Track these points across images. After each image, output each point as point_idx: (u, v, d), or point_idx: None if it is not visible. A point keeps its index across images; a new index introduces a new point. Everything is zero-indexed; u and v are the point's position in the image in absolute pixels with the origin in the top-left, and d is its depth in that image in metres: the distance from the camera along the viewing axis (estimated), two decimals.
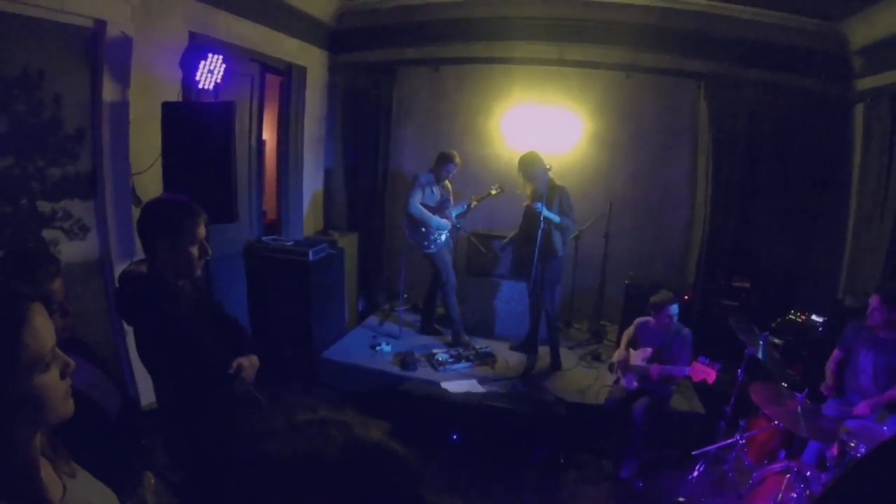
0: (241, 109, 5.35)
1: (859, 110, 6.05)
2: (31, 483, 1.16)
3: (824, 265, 6.41)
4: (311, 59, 6.53)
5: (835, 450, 3.47)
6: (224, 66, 4.39)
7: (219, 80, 4.41)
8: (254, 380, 2.64)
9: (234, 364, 2.56)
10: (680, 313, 4.69)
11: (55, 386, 1.17)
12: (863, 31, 5.75)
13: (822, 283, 6.34)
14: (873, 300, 4.02)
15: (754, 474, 3.72)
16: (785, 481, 3.41)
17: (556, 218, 5.29)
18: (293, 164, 6.33)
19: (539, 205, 5.21)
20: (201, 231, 2.47)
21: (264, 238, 5.88)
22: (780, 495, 3.30)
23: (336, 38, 6.80)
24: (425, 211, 5.81)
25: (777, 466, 3.63)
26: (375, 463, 0.79)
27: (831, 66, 6.12)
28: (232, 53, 4.81)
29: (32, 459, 1.17)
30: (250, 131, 5.66)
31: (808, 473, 3.47)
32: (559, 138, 6.39)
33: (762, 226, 6.54)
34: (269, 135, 6.31)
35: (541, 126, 6.62)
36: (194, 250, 2.45)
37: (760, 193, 6.49)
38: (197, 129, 4.16)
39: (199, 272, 2.54)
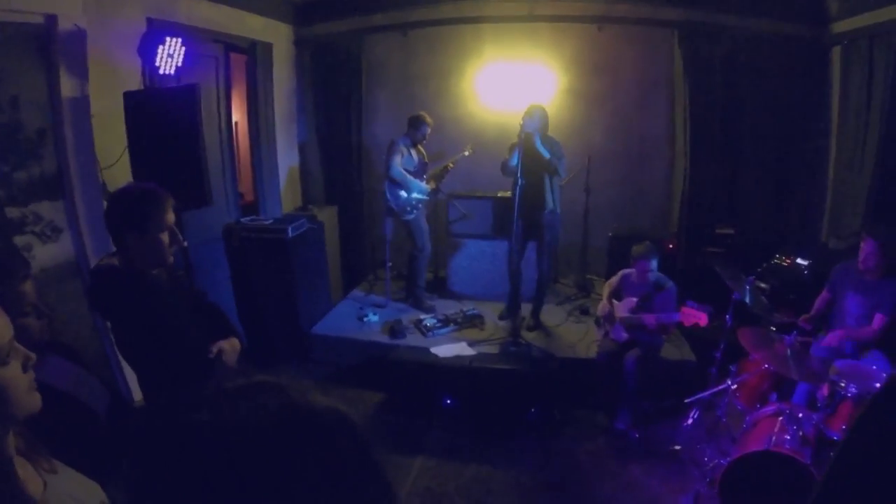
0: (208, 92, 5.23)
1: (836, 53, 6.01)
2: (7, 481, 1.15)
3: (807, 209, 6.45)
4: (277, 35, 6.37)
5: (825, 390, 3.53)
6: (184, 48, 4.28)
7: (179, 64, 4.31)
8: (236, 363, 2.61)
9: (214, 348, 2.54)
10: (664, 263, 4.70)
11: (17, 378, 1.16)
12: None
13: (805, 227, 6.40)
14: (868, 244, 4.02)
15: (747, 418, 3.79)
16: (778, 423, 3.47)
17: (545, 153, 5.23)
18: (265, 142, 6.22)
19: (535, 137, 5.17)
20: (170, 217, 2.41)
21: (242, 220, 5.79)
22: (773, 437, 3.35)
23: (300, 11, 6.63)
24: (406, 174, 5.76)
25: (769, 409, 3.68)
26: (314, 428, 0.72)
27: (807, 8, 6.08)
28: (193, 35, 4.69)
29: (6, 458, 1.16)
30: (219, 113, 5.54)
31: (800, 414, 3.54)
32: (533, 94, 6.24)
33: (743, 172, 6.54)
34: (239, 115, 6.20)
35: (514, 83, 6.53)
36: (164, 237, 2.40)
37: (740, 140, 6.47)
38: (162, 116, 4.05)
39: (171, 259, 2.49)
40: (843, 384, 3.38)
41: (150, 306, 2.35)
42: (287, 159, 6.77)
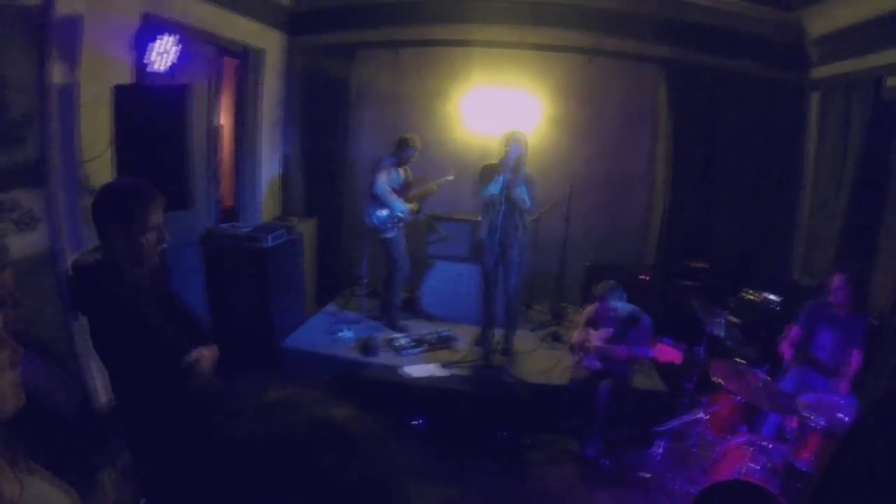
0: (197, 93, 5.13)
1: (815, 98, 6.26)
2: None
3: (778, 246, 6.62)
4: (269, 42, 6.37)
5: (794, 422, 3.61)
6: (178, 47, 4.25)
7: (172, 62, 4.27)
8: (213, 370, 2.59)
9: (194, 353, 2.50)
10: (639, 295, 4.78)
11: (3, 373, 1.11)
12: (820, 22, 5.93)
13: (775, 264, 6.55)
14: (838, 279, 4.18)
15: (717, 448, 3.83)
16: (747, 453, 3.52)
17: (526, 201, 5.34)
18: (250, 148, 6.21)
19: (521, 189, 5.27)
20: (157, 217, 2.40)
21: (221, 225, 5.75)
22: (742, 467, 3.41)
23: (294, 20, 6.64)
24: (390, 192, 5.79)
25: (739, 440, 3.75)
26: (347, 442, 0.73)
27: (789, 54, 6.32)
28: (187, 35, 4.64)
29: None
30: (206, 115, 5.51)
31: (769, 445, 3.60)
32: (518, 122, 6.28)
33: (720, 208, 6.71)
34: (225, 119, 6.16)
35: (500, 109, 6.60)
36: (151, 237, 2.38)
37: (718, 177, 6.66)
38: (151, 114, 3.99)
39: (156, 260, 2.47)
40: (811, 417, 3.46)
41: (131, 305, 2.33)
42: (270, 167, 6.74)
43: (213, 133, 5.71)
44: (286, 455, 0.67)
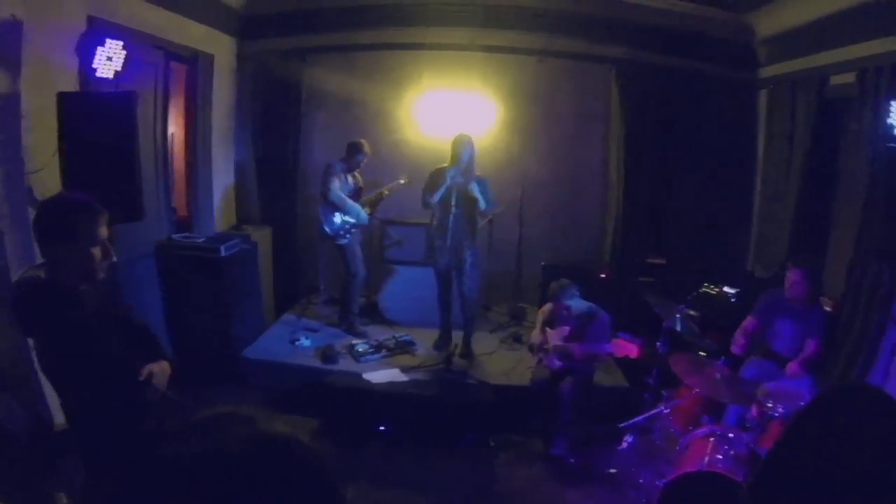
0: (146, 100, 5.11)
1: (763, 96, 6.51)
2: None
3: (734, 239, 6.84)
4: (219, 47, 6.28)
5: (754, 411, 3.70)
6: (125, 52, 4.18)
7: (119, 69, 4.20)
8: (166, 386, 2.55)
9: (145, 371, 2.46)
10: (597, 293, 4.86)
11: None
12: (768, 23, 6.18)
13: (732, 257, 6.76)
14: (794, 275, 4.27)
15: (681, 440, 3.89)
16: (710, 444, 3.59)
17: (483, 202, 5.40)
18: (202, 157, 6.11)
19: (474, 186, 5.33)
20: (103, 231, 2.34)
21: (175, 236, 5.66)
22: (706, 458, 3.47)
23: (245, 24, 6.57)
24: (345, 197, 5.80)
25: (702, 431, 3.81)
26: (283, 457, 0.74)
27: (738, 54, 6.56)
28: (134, 40, 4.56)
29: None
30: (155, 123, 5.41)
31: (731, 435, 3.68)
32: (471, 124, 6.38)
33: (674, 204, 6.88)
34: (176, 127, 6.07)
35: (452, 112, 6.66)
36: (96, 252, 2.32)
37: (672, 174, 6.84)
38: (97, 122, 3.92)
39: (102, 275, 2.41)
40: (770, 405, 3.56)
41: (77, 324, 2.26)
42: (223, 176, 6.65)
43: (165, 141, 5.62)
44: (224, 473, 0.68)
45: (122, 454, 2.14)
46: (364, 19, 6.51)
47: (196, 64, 5.88)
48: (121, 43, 4.14)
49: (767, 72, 6.44)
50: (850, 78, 4.98)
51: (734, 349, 4.47)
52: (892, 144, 4.14)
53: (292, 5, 6.51)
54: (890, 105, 4.14)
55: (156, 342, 2.75)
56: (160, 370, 2.53)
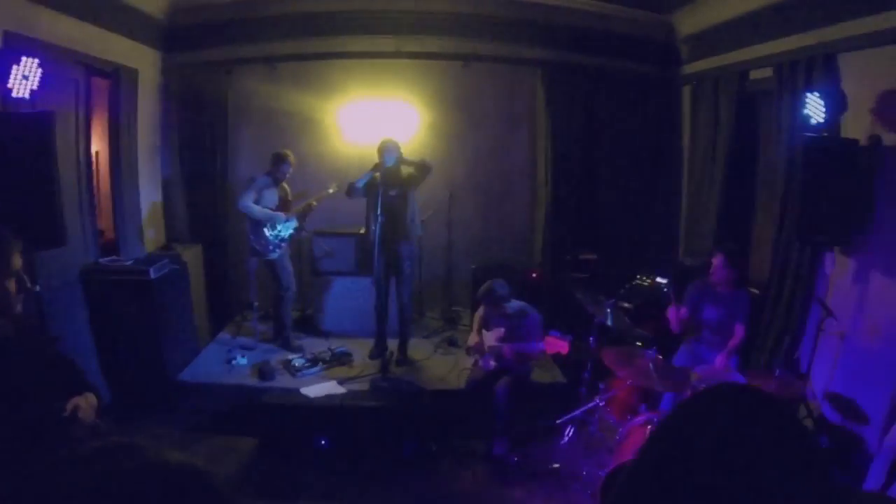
0: (66, 118, 5.06)
1: (686, 92, 6.90)
2: None
3: (663, 231, 7.21)
4: (143, 60, 6.27)
5: (688, 395, 3.97)
6: (40, 70, 4.11)
7: (35, 87, 4.12)
8: (94, 417, 2.51)
9: (69, 406, 2.41)
10: (530, 292, 5.09)
11: None
12: (689, 22, 6.59)
13: (663, 248, 7.11)
14: (717, 260, 4.64)
15: (620, 430, 4.14)
16: (648, 431, 3.83)
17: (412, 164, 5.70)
18: (128, 175, 6.02)
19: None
20: (16, 261, 2.29)
21: (101, 260, 5.59)
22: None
23: (169, 37, 6.59)
24: (255, 206, 5.87)
25: (639, 419, 4.07)
26: (171, 487, 0.75)
27: (661, 52, 6.96)
28: (53, 55, 4.53)
29: None
30: (77, 142, 5.34)
31: None
32: (397, 131, 6.56)
33: (604, 201, 7.22)
34: (100, 145, 6.03)
35: (378, 119, 6.88)
36: (10, 284, 2.27)
37: (600, 171, 7.16)
38: (12, 145, 3.88)
39: (18, 308, 2.37)
40: (702, 389, 3.82)
41: None
42: (150, 195, 6.61)
43: (88, 161, 5.56)
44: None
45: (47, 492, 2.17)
46: (288, 29, 6.64)
47: (119, 79, 5.79)
48: (36, 60, 4.07)
49: (690, 68, 6.84)
50: (768, 72, 5.35)
51: (672, 328, 4.83)
52: (808, 134, 4.50)
53: (216, 16, 6.57)
54: (805, 97, 4.50)
55: (80, 375, 2.70)
56: (86, 403, 2.47)
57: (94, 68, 5.51)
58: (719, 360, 4.56)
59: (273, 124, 7.08)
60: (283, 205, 6.11)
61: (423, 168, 5.74)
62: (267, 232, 5.95)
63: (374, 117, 6.92)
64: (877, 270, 4.33)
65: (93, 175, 5.72)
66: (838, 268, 4.68)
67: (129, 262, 5.60)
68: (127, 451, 0.75)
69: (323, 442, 4.91)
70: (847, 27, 4.39)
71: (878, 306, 4.28)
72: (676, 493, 1.20)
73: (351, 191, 5.68)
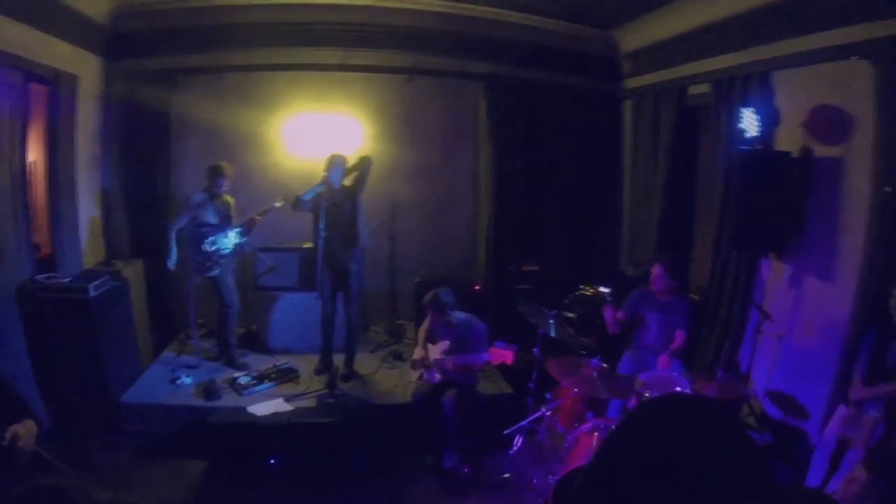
0: (0, 126, 4.93)
1: (628, 106, 7.21)
2: None
3: (606, 242, 7.49)
4: (84, 67, 6.12)
5: (633, 402, 4.10)
6: None
7: None
8: (34, 444, 2.50)
9: (7, 434, 2.41)
10: (473, 304, 5.16)
11: None
12: (631, 38, 6.87)
13: (605, 258, 7.37)
14: (657, 270, 4.91)
15: (568, 437, 4.23)
16: (595, 437, 3.96)
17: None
18: (66, 187, 5.88)
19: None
20: None
21: (38, 277, 5.41)
22: (593, 450, 3.80)
23: (111, 43, 6.45)
24: (173, 242, 5.89)
25: (587, 426, 4.18)
26: None
27: (604, 67, 7.22)
28: None
29: None
30: (12, 151, 5.16)
31: (614, 426, 4.06)
32: (341, 144, 6.62)
33: (547, 212, 7.43)
34: (36, 155, 5.86)
35: (323, 132, 6.96)
36: None
37: (543, 183, 7.36)
38: None
39: None
40: (647, 395, 3.97)
41: None
42: (89, 208, 6.44)
43: (24, 171, 5.38)
44: None
45: None
46: (234, 39, 6.62)
47: (58, 85, 5.66)
48: None
49: (631, 83, 7.14)
50: (706, 88, 5.64)
51: (610, 330, 5.07)
52: (743, 146, 4.75)
53: (161, 24, 6.48)
54: (741, 112, 4.77)
55: (18, 400, 2.69)
56: (25, 431, 2.46)
57: (32, 73, 5.34)
58: (662, 359, 4.76)
59: (217, 136, 7.01)
60: (226, 220, 6.03)
61: (363, 164, 5.76)
62: (206, 248, 5.87)
63: (319, 131, 6.98)
64: (810, 274, 4.63)
65: (28, 186, 5.54)
66: (774, 273, 4.97)
67: (66, 280, 5.44)
68: (50, 496, 0.73)
69: (272, 461, 4.87)
70: (781, 46, 4.69)
71: (812, 308, 4.59)
72: (627, 498, 1.29)
73: (297, 204, 5.67)
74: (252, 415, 5.16)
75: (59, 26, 5.52)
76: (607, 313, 5.08)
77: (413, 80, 7.10)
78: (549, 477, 4.24)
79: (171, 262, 5.95)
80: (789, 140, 4.72)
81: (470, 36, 6.86)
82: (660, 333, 4.95)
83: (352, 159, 5.83)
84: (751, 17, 4.93)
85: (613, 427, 1.40)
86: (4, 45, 4.80)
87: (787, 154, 4.63)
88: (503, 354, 4.62)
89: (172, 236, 5.85)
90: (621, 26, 6.82)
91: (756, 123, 4.68)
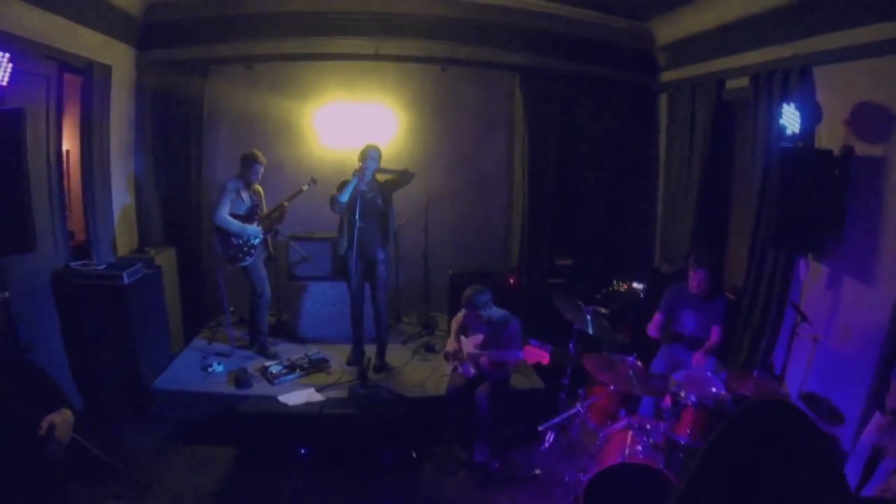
0: (37, 115, 4.93)
1: (664, 99, 7.07)
2: None
3: (639, 237, 7.37)
4: (117, 57, 6.15)
5: (667, 400, 4.06)
6: (11, 65, 3.99)
7: (4, 83, 4.01)
8: (70, 435, 2.50)
9: (44, 424, 2.41)
10: (506, 298, 5.10)
11: None
12: (667, 30, 6.72)
13: (639, 254, 7.27)
14: (698, 273, 4.82)
15: (601, 435, 4.22)
16: (629, 436, 3.93)
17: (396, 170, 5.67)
18: (99, 176, 5.92)
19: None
20: None
21: (73, 264, 5.48)
22: (626, 449, 3.80)
23: (144, 33, 6.48)
24: (233, 221, 5.84)
25: (619, 424, 4.16)
26: None
27: (639, 60, 7.08)
28: (23, 49, 4.41)
29: None
30: (48, 141, 5.20)
31: (648, 425, 4.03)
32: (374, 133, 6.63)
33: (580, 206, 7.34)
34: (71, 144, 5.92)
35: (355, 122, 6.90)
36: None
37: (577, 177, 7.27)
38: None
39: None
40: (682, 394, 3.92)
41: None
42: (123, 196, 6.51)
43: (59, 160, 5.42)
44: None
45: None
46: (267, 29, 6.60)
47: (92, 75, 5.68)
48: (7, 55, 3.95)
49: (667, 76, 7.01)
50: (744, 82, 5.47)
51: (650, 334, 5.00)
52: (783, 143, 4.62)
53: (193, 13, 6.50)
54: (781, 107, 4.62)
55: (55, 388, 2.69)
56: (62, 420, 2.47)
57: (67, 64, 5.37)
58: (696, 357, 4.70)
59: (249, 125, 7.03)
60: (257, 207, 6.05)
61: (404, 175, 5.73)
62: (234, 240, 5.89)
63: (352, 120, 6.92)
64: (848, 276, 4.50)
65: (63, 174, 5.60)
66: (812, 273, 4.84)
67: (101, 267, 5.51)
68: None
69: (302, 450, 4.88)
70: (823, 40, 4.54)
71: (850, 310, 4.46)
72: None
73: (334, 205, 5.61)
74: (283, 404, 5.16)
75: (92, 17, 5.55)
76: (651, 327, 5.03)
77: (447, 69, 7.03)
78: (580, 474, 4.23)
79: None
80: (830, 138, 4.58)
81: (504, 26, 6.79)
82: (695, 330, 4.91)
83: (386, 153, 5.77)
84: (791, 9, 4.78)
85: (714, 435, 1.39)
86: (40, 36, 4.83)
87: (828, 152, 4.49)
88: (539, 354, 4.56)
89: (226, 218, 5.81)
90: (657, 18, 6.70)
91: (796, 120, 4.53)
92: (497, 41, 6.87)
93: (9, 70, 4.03)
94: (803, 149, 4.59)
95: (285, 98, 6.97)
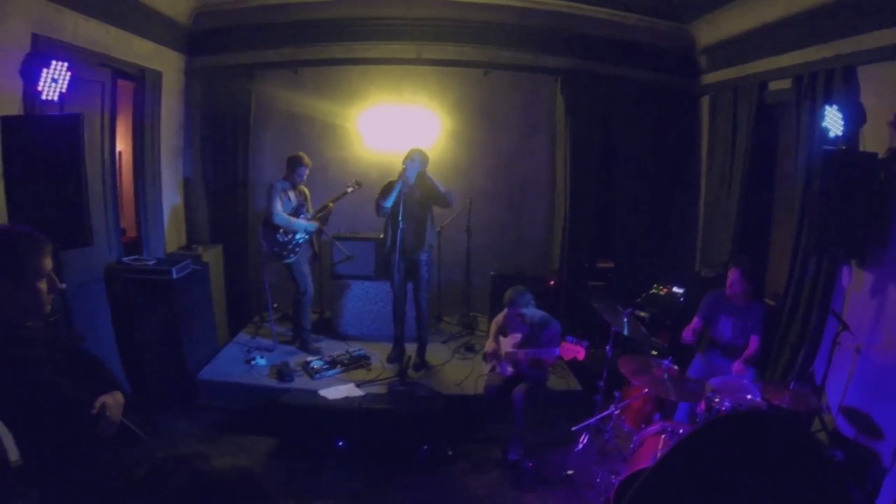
0: (92, 120, 5.14)
1: (705, 102, 6.91)
2: None
3: (681, 241, 7.22)
4: (167, 63, 6.36)
5: (702, 406, 3.99)
6: (69, 73, 4.23)
7: (64, 90, 4.24)
8: (120, 417, 2.54)
9: (97, 404, 2.45)
10: (547, 300, 5.07)
11: None
12: (708, 33, 6.58)
13: (679, 258, 7.13)
14: (734, 274, 4.69)
15: (634, 438, 4.16)
16: (662, 440, 3.86)
17: (440, 186, 5.62)
18: (151, 176, 6.15)
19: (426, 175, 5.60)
20: (48, 263, 2.30)
21: (124, 259, 5.68)
22: (659, 453, 3.72)
23: (192, 40, 6.68)
24: (290, 218, 5.95)
25: (654, 428, 4.07)
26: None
27: (680, 62, 6.95)
28: (79, 58, 4.62)
29: None
30: (102, 143, 5.44)
31: (682, 430, 3.94)
32: (417, 137, 6.67)
33: (621, 209, 7.23)
34: (123, 146, 6.11)
35: (399, 125, 6.94)
36: (42, 285, 2.28)
37: (618, 179, 7.18)
38: (42, 146, 3.96)
39: (48, 308, 2.40)
40: (717, 399, 3.85)
41: (23, 361, 2.23)
42: (172, 195, 6.71)
43: (112, 161, 5.65)
44: None
45: (79, 487, 2.21)
46: (311, 35, 6.70)
47: (143, 81, 5.92)
48: (66, 64, 4.18)
49: (709, 79, 6.85)
50: (786, 84, 5.33)
51: (685, 339, 4.88)
52: (826, 146, 4.47)
53: (239, 21, 6.64)
54: (824, 109, 4.47)
55: (107, 373, 2.74)
56: (113, 402, 2.51)
57: (120, 71, 5.61)
58: (736, 366, 4.59)
59: (294, 129, 7.15)
60: (300, 209, 6.13)
61: (443, 196, 5.66)
62: (280, 238, 5.99)
63: (396, 123, 6.97)
64: (893, 284, 4.30)
65: (117, 175, 5.80)
66: (855, 281, 4.66)
67: (151, 262, 5.69)
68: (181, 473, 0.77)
69: (340, 443, 4.94)
70: (867, 39, 4.37)
71: (895, 321, 4.25)
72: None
73: (380, 210, 5.64)
74: (323, 398, 5.23)
75: (144, 27, 5.76)
76: (687, 331, 4.94)
77: (490, 73, 7.04)
78: (613, 477, 4.19)
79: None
80: (875, 140, 4.38)
81: (545, 30, 6.75)
82: (733, 337, 4.80)
83: (430, 156, 5.76)
84: (834, 7, 4.62)
85: (683, 436, 1.35)
86: (95, 45, 5.05)
87: (872, 155, 4.31)
88: (575, 350, 4.54)
89: (283, 215, 5.92)
90: (698, 19, 6.55)
91: (840, 122, 4.38)
92: (538, 45, 6.84)
93: (67, 78, 4.25)
94: (847, 152, 4.43)
95: (330, 101, 7.06)
